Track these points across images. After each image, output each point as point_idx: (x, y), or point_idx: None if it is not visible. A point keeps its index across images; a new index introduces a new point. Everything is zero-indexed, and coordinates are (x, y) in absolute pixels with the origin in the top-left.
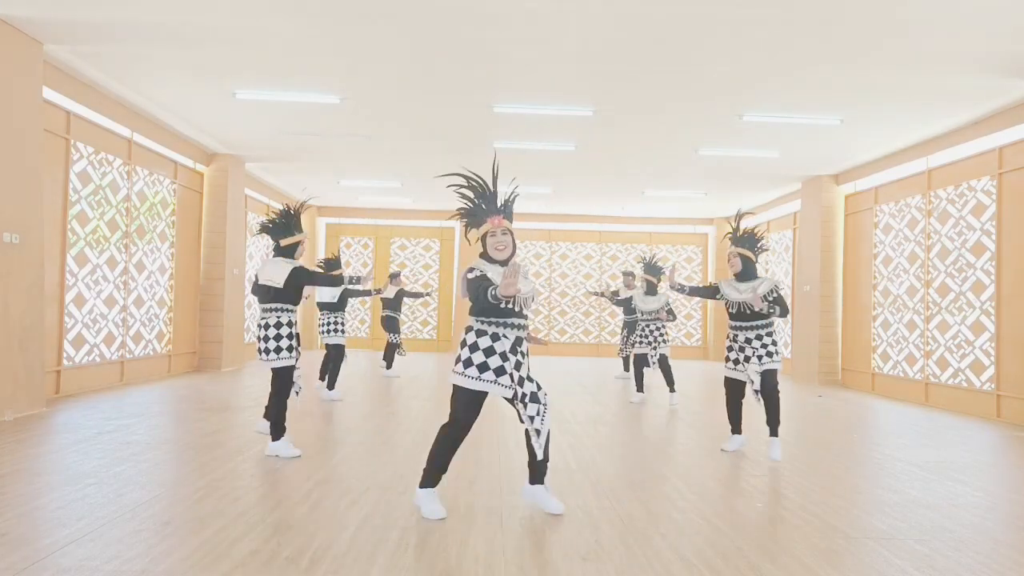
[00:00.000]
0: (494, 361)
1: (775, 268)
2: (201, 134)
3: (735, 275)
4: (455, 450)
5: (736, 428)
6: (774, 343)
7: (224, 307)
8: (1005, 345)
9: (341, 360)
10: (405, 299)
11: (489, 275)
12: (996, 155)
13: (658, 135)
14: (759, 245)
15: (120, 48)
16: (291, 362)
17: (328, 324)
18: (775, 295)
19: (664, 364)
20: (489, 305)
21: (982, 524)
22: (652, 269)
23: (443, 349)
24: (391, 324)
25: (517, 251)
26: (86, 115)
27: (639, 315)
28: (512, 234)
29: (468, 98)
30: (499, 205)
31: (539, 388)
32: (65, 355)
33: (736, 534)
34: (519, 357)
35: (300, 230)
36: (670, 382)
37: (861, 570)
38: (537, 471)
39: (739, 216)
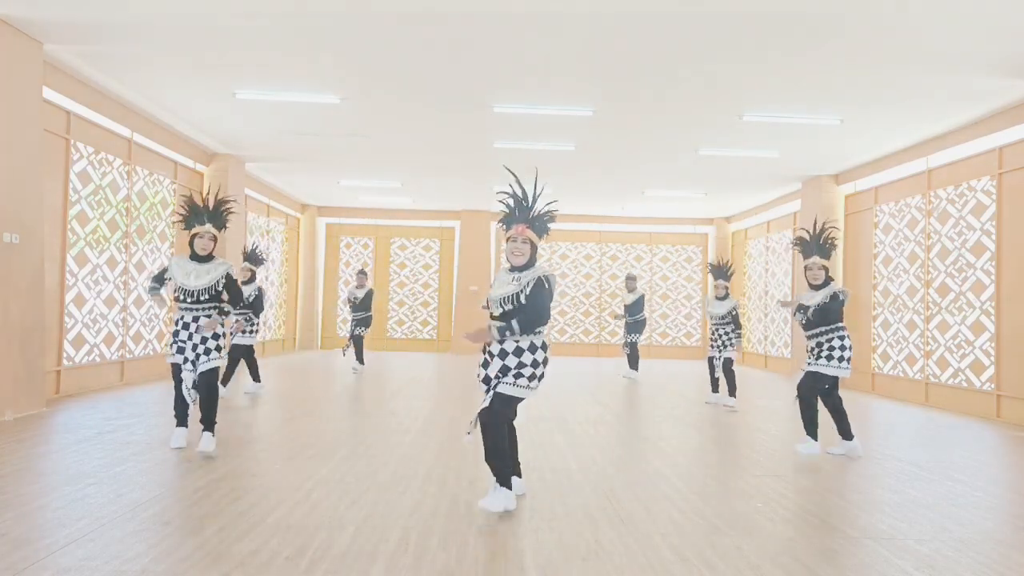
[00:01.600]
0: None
1: (775, 268)
2: (201, 134)
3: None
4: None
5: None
6: (842, 348)
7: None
8: (1005, 345)
9: (235, 364)
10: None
11: (492, 286)
12: (996, 155)
13: (658, 135)
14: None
15: (120, 48)
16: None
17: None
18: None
19: (728, 368)
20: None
21: (982, 524)
22: (720, 273)
23: (443, 349)
24: (366, 321)
25: (537, 260)
26: (86, 115)
27: (709, 320)
28: (532, 244)
29: (468, 98)
30: (527, 216)
31: (491, 390)
32: (65, 355)
33: (736, 534)
34: (486, 356)
35: (202, 223)
36: (732, 387)
37: (861, 570)
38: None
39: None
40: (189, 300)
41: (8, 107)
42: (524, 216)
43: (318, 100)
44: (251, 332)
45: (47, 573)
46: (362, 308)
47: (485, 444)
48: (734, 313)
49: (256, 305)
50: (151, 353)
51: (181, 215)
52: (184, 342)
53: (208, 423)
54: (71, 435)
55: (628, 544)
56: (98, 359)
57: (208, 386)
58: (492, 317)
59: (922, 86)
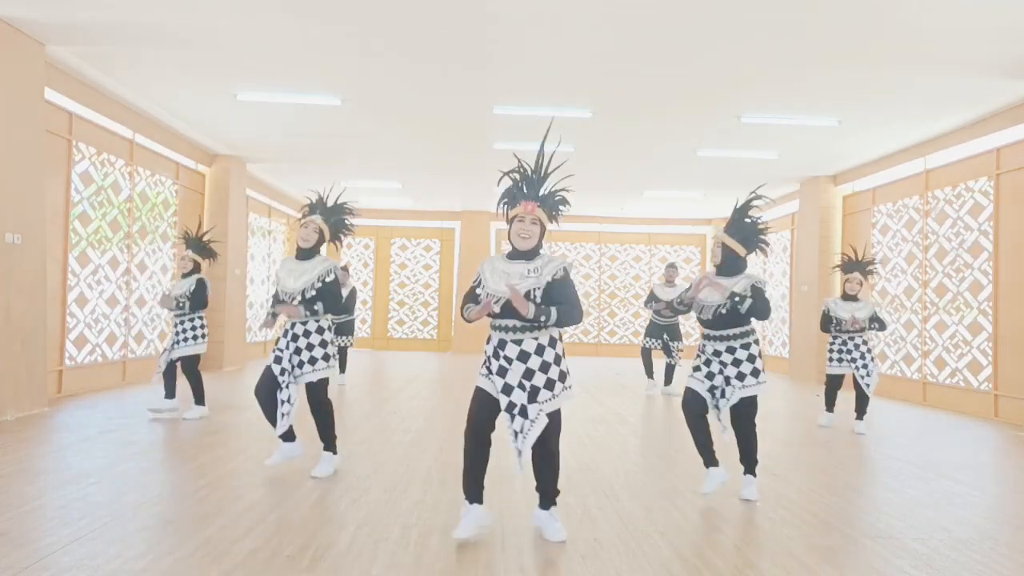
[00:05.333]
0: (490, 357)
1: (773, 268)
2: (203, 135)
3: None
4: (472, 457)
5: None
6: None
7: (226, 307)
8: (1003, 345)
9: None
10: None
11: (485, 278)
12: (994, 156)
13: (657, 136)
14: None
15: (122, 49)
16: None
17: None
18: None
19: (864, 390)
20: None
21: (980, 523)
22: (856, 266)
23: (443, 349)
24: (348, 327)
25: (552, 249)
26: (88, 116)
27: (838, 325)
28: (542, 226)
29: (468, 99)
30: (538, 193)
31: (534, 401)
32: (67, 355)
33: (735, 533)
34: (502, 362)
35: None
36: (862, 409)
37: (860, 569)
38: (540, 494)
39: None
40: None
41: (10, 108)
42: (533, 193)
43: (319, 102)
44: (200, 336)
45: (48, 572)
46: (343, 311)
47: (552, 472)
48: (878, 319)
49: (199, 301)
50: (153, 353)
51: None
52: (281, 350)
53: (327, 441)
54: (73, 434)
55: (628, 544)
56: (100, 359)
57: (316, 400)
58: (491, 316)
59: (920, 87)
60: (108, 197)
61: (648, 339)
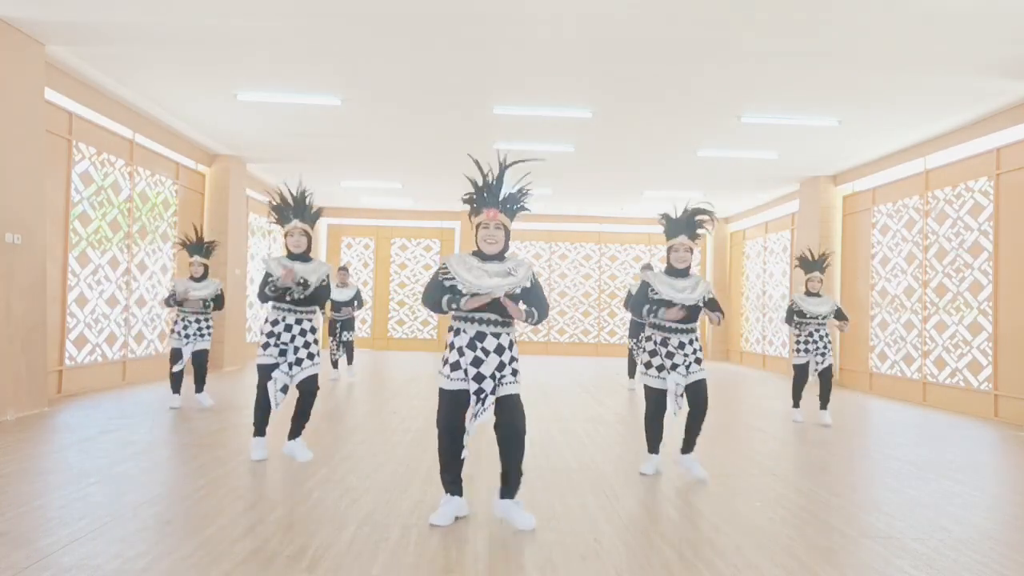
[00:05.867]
0: (453, 356)
1: (773, 268)
2: (203, 135)
3: (677, 268)
4: (448, 458)
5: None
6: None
7: (226, 307)
8: (1003, 345)
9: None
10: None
11: (461, 274)
12: (994, 156)
13: (657, 137)
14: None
15: (122, 49)
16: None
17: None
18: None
19: (827, 378)
20: (436, 307)
21: (980, 523)
22: (815, 265)
23: (443, 349)
24: (350, 324)
25: (515, 251)
26: (88, 116)
27: (800, 321)
28: (506, 230)
29: (468, 99)
30: (499, 199)
31: (493, 392)
32: (67, 355)
33: (735, 533)
34: (478, 353)
35: (288, 220)
36: (825, 398)
37: (860, 569)
38: (505, 483)
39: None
40: (289, 300)
41: (10, 108)
42: (494, 199)
43: (319, 102)
44: (208, 335)
45: (48, 572)
46: (344, 307)
47: (521, 452)
48: (839, 311)
49: (219, 303)
50: (153, 353)
51: (273, 216)
52: (287, 344)
53: (298, 431)
54: (73, 434)
55: (628, 544)
56: (100, 359)
57: (309, 392)
58: (454, 309)
59: (920, 87)
60: (108, 197)
61: (633, 339)
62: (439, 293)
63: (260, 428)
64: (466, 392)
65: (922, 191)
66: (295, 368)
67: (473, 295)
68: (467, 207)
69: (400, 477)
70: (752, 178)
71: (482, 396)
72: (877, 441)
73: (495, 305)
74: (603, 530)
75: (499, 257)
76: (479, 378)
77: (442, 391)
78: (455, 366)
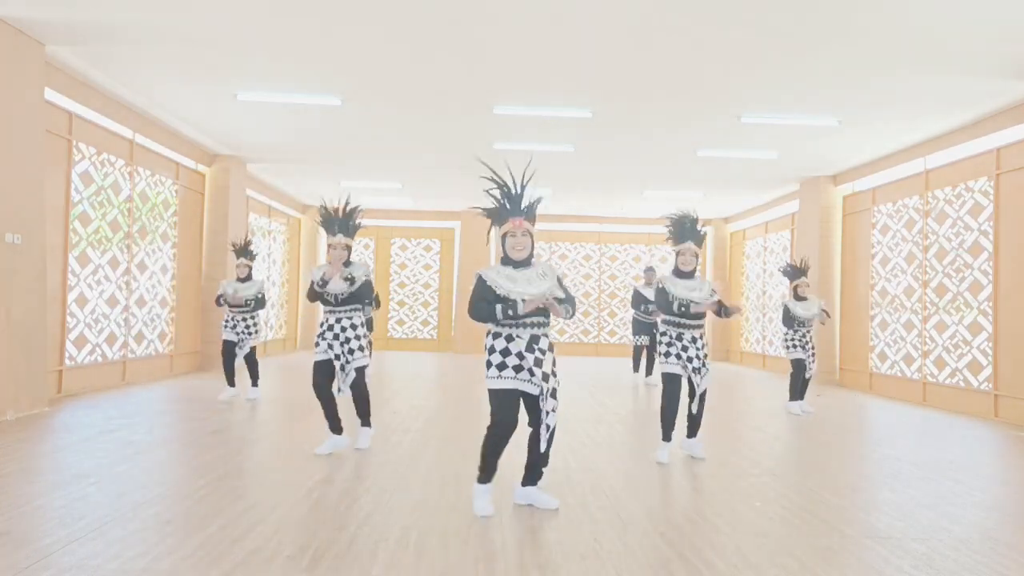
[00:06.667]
0: (511, 360)
1: (773, 268)
2: (203, 135)
3: (684, 271)
4: (499, 449)
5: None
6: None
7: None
8: (1003, 345)
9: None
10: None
11: (504, 285)
12: (994, 156)
13: (657, 136)
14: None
15: (122, 49)
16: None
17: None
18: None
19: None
20: (491, 318)
21: (980, 523)
22: (801, 272)
23: (443, 349)
24: (370, 323)
25: (538, 253)
26: (88, 116)
27: (792, 322)
28: (532, 236)
29: (468, 99)
30: (523, 207)
31: (558, 385)
32: (67, 355)
33: (735, 533)
34: (537, 354)
35: (333, 233)
36: (804, 390)
37: (859, 569)
38: (534, 472)
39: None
40: (333, 303)
41: (10, 108)
42: (517, 208)
43: (319, 102)
44: (254, 332)
45: (48, 572)
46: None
47: (551, 436)
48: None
49: (260, 302)
50: (153, 353)
51: (319, 221)
52: (331, 342)
53: (364, 418)
54: (73, 434)
55: (628, 544)
56: (100, 359)
57: (359, 383)
58: (511, 316)
59: (920, 87)
60: (108, 197)
61: (638, 336)
62: (490, 304)
63: (336, 427)
64: (517, 393)
65: (922, 191)
66: (350, 360)
67: (524, 300)
68: (467, 207)
69: (400, 477)
70: (752, 178)
71: (548, 395)
72: (877, 441)
73: (542, 307)
74: (603, 530)
75: (527, 263)
76: (545, 377)
77: (498, 391)
78: (517, 368)
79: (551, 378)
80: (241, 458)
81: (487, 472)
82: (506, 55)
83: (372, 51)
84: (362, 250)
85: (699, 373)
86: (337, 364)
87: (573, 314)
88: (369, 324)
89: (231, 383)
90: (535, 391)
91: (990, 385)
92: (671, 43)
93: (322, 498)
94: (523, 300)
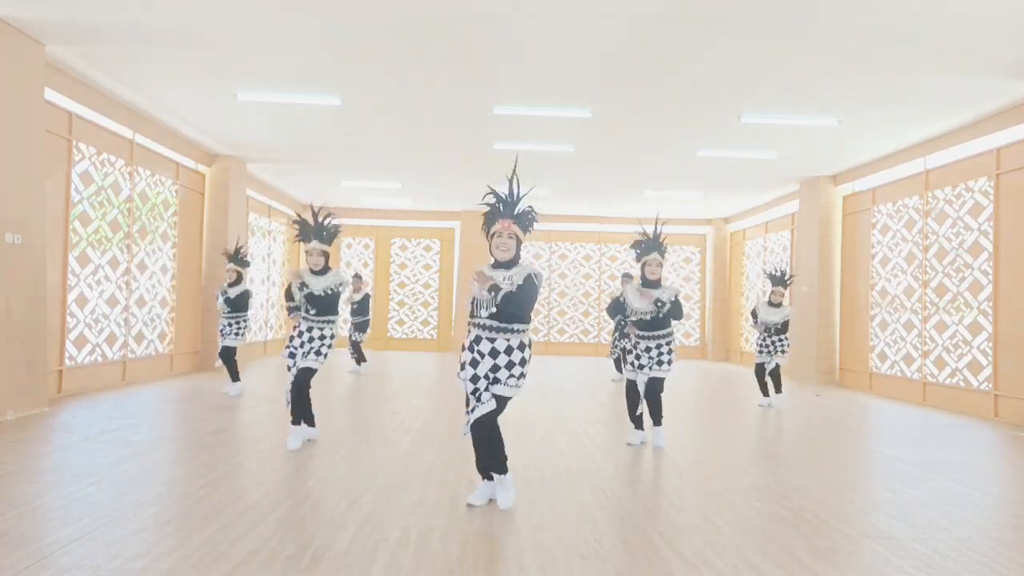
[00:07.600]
0: (464, 356)
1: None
2: (203, 135)
3: (651, 280)
4: (478, 445)
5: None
6: (670, 351)
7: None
8: (1002, 345)
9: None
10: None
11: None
12: (993, 156)
13: (657, 137)
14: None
15: (122, 49)
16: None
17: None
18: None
19: (776, 372)
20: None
21: (980, 523)
22: (779, 280)
23: (443, 349)
24: (364, 325)
25: (527, 258)
26: (88, 116)
27: (760, 326)
28: (518, 239)
29: (468, 99)
30: (513, 212)
31: (485, 390)
32: (67, 355)
33: (735, 533)
34: (476, 355)
35: (308, 240)
36: (777, 386)
37: (859, 569)
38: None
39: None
40: (309, 313)
41: (10, 108)
42: (509, 212)
43: (319, 102)
44: (239, 333)
45: (48, 572)
46: (359, 312)
47: (485, 444)
48: (787, 321)
49: (241, 304)
50: (153, 353)
51: (296, 235)
52: (297, 341)
53: (302, 419)
54: (73, 434)
55: (628, 544)
56: (100, 359)
57: (302, 382)
58: (474, 316)
59: (920, 87)
60: (108, 197)
61: (623, 340)
62: (471, 302)
63: (297, 419)
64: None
65: (922, 191)
66: (299, 359)
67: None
68: (466, 207)
69: (400, 477)
70: (752, 178)
71: (477, 395)
72: (877, 441)
73: (496, 311)
74: (603, 530)
75: (509, 265)
76: (475, 379)
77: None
78: (463, 365)
79: (480, 380)
80: (241, 458)
81: (477, 465)
82: (506, 55)
83: (372, 51)
84: (362, 250)
85: (643, 371)
86: (292, 360)
87: (506, 307)
88: (364, 325)
89: (236, 379)
90: (467, 388)
91: (990, 385)
92: (671, 43)
93: (322, 498)
94: (472, 298)
